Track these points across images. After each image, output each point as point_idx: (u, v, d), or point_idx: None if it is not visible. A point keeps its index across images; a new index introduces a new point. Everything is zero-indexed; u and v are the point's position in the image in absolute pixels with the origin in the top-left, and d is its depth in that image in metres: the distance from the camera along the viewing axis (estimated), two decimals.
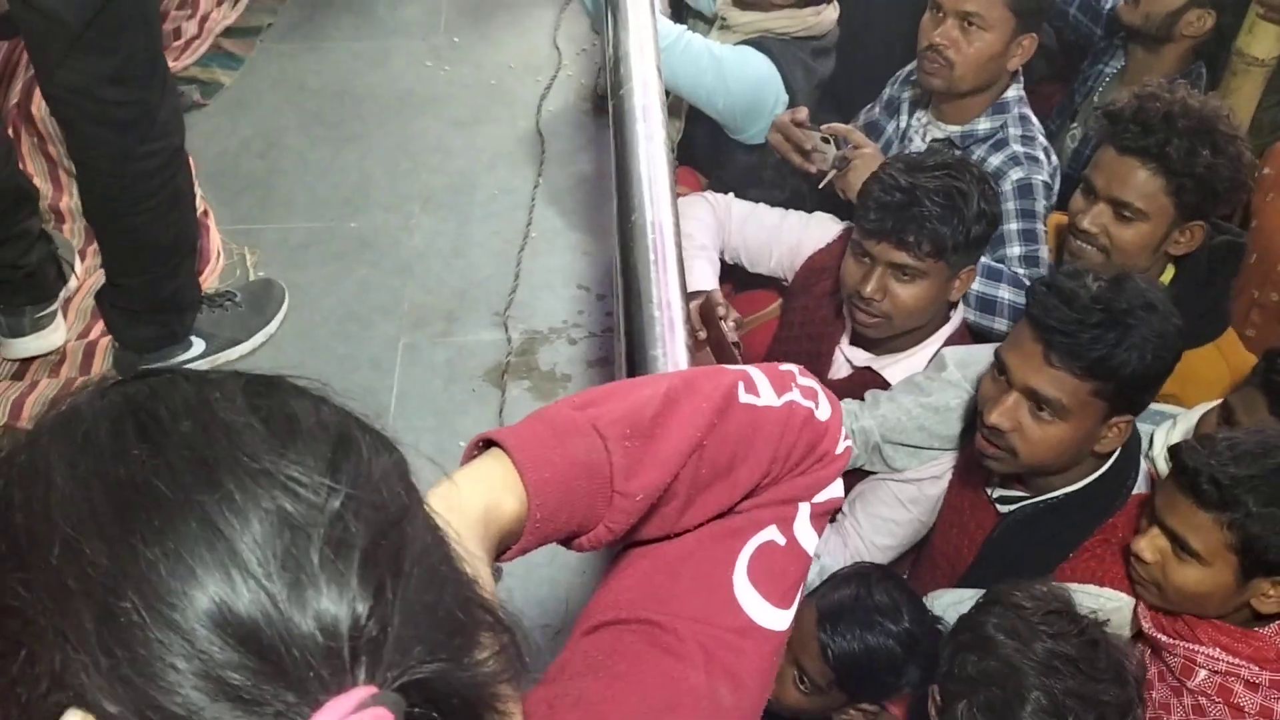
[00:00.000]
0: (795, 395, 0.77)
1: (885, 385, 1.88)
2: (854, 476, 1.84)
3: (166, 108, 1.88)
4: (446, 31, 3.17)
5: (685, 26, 2.42)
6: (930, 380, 1.79)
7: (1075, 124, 2.73)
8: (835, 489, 0.81)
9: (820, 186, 2.18)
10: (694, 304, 1.94)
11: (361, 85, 2.95)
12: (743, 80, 2.46)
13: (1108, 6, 2.64)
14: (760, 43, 2.55)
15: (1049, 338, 1.48)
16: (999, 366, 1.57)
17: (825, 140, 2.18)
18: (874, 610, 1.51)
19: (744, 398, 0.74)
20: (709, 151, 2.61)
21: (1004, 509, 1.68)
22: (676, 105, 2.82)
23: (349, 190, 2.60)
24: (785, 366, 0.81)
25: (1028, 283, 1.90)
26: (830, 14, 2.58)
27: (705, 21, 2.93)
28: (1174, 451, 1.49)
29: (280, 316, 2.23)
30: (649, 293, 1.09)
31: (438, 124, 2.81)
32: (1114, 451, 1.61)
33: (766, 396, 0.75)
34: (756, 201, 2.29)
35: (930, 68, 2.15)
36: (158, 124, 1.86)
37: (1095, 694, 1.29)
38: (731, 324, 1.92)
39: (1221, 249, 1.98)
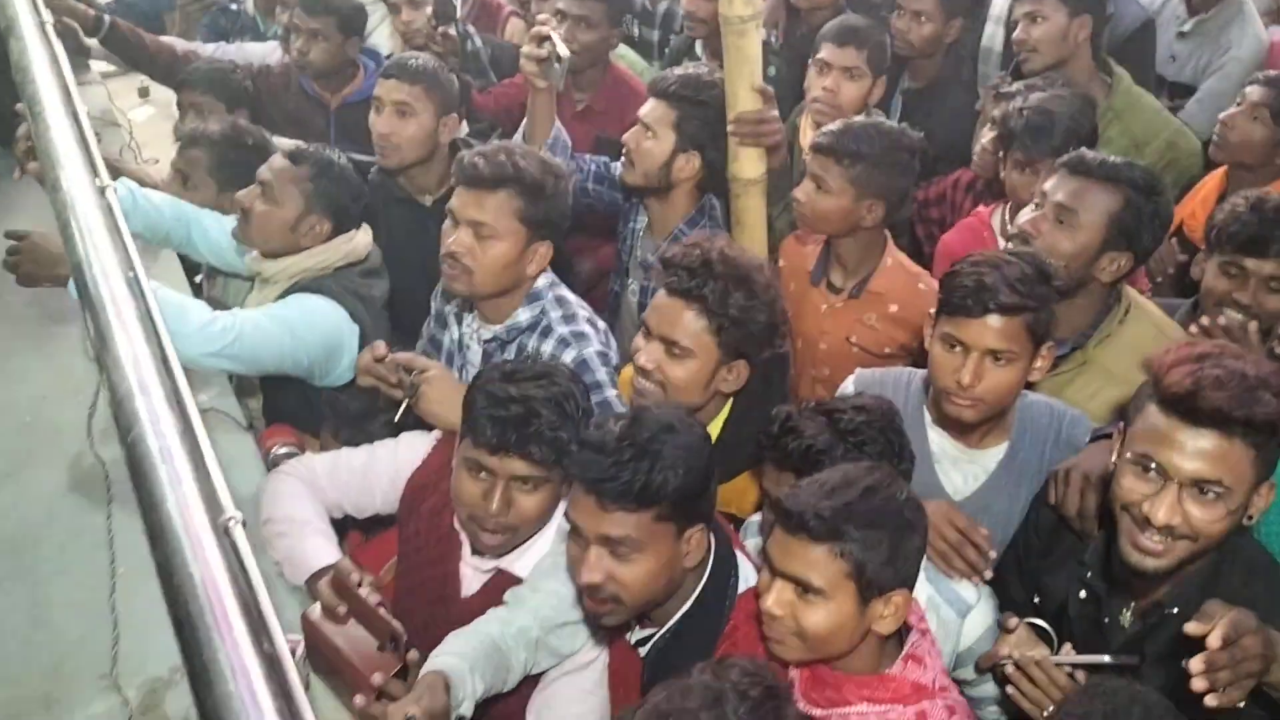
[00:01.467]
0: None
1: (519, 580, 1.87)
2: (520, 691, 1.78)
3: None
4: None
5: (209, 310, 2.34)
6: (561, 556, 1.81)
7: (630, 279, 2.92)
8: None
9: (396, 420, 2.16)
10: (323, 583, 1.82)
11: None
12: (314, 329, 2.44)
13: (618, 173, 2.87)
14: (310, 285, 2.51)
15: (596, 488, 1.60)
16: (573, 529, 1.66)
17: (406, 370, 2.17)
18: None
19: None
20: (301, 406, 2.54)
21: (643, 651, 1.77)
22: (249, 383, 2.71)
23: None
24: None
25: None
26: (363, 237, 2.62)
27: (242, 279, 2.86)
28: (776, 503, 1.63)
29: None
30: (218, 666, 0.97)
31: None
32: (706, 560, 1.73)
33: None
34: (369, 435, 2.24)
35: (450, 273, 2.22)
36: None
37: None
38: (368, 588, 1.81)
39: (767, 366, 2.18)
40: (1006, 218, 2.79)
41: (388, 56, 3.58)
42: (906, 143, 2.66)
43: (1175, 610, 1.69)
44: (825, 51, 3.23)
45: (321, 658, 1.81)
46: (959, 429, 2.08)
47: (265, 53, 4.02)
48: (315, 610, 1.83)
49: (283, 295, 2.50)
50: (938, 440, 2.11)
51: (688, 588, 1.72)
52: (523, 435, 1.77)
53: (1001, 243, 2.80)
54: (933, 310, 2.07)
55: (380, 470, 2.08)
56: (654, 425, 1.63)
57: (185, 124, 3.29)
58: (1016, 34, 3.14)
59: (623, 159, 2.81)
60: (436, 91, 2.92)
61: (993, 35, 3.63)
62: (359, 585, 1.80)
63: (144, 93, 4.31)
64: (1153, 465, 1.62)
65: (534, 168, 2.24)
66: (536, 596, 1.77)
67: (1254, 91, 2.87)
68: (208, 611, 1.02)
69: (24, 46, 2.19)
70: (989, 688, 1.88)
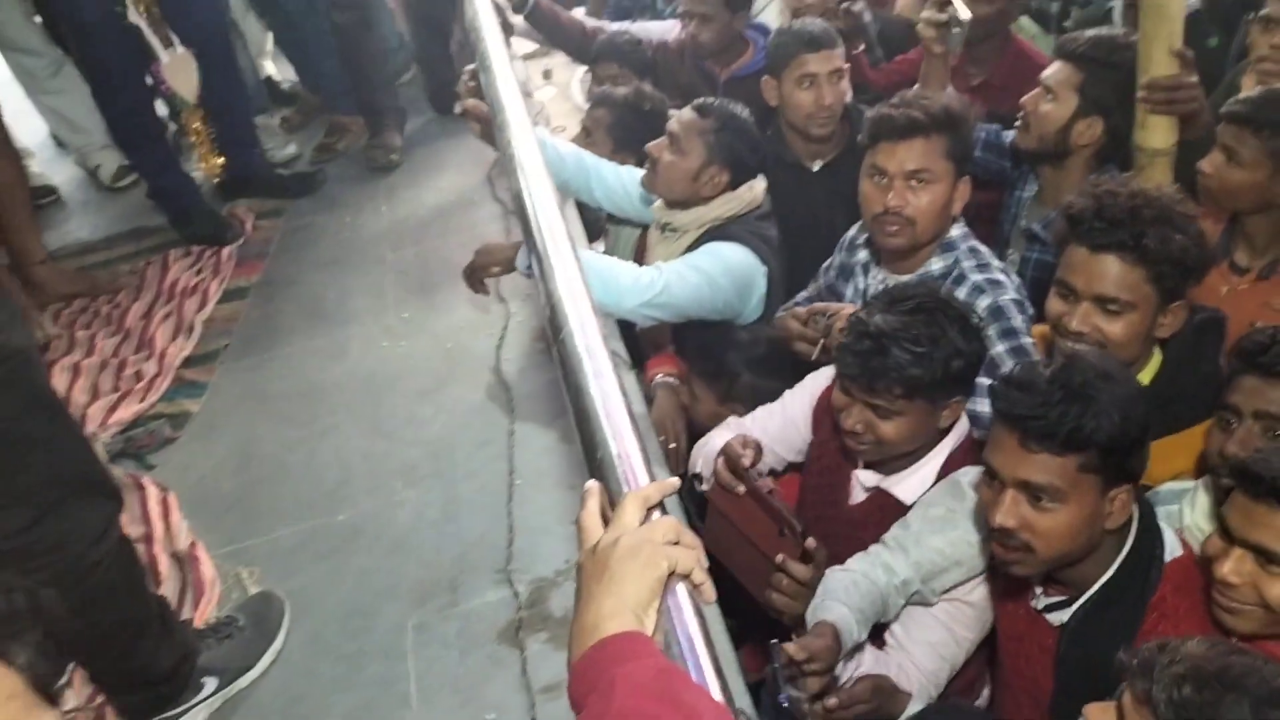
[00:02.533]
0: None
1: (899, 504, 1.90)
2: None
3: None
4: (396, 310, 3.28)
5: (636, 267, 2.53)
6: (953, 513, 1.81)
7: (1011, 249, 2.82)
8: None
9: (814, 358, 2.24)
10: (719, 461, 1.94)
11: (325, 379, 3.01)
12: (730, 274, 2.59)
13: (1008, 140, 2.78)
14: (718, 232, 2.66)
15: (1021, 426, 1.53)
16: (988, 472, 1.61)
17: (821, 315, 2.27)
18: None
19: None
20: (711, 345, 2.68)
21: (1054, 619, 1.67)
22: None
23: (331, 484, 2.61)
24: None
25: None
26: (759, 184, 2.72)
27: (632, 226, 3.06)
28: (1241, 467, 1.51)
29: (284, 630, 2.18)
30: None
31: (405, 399, 2.86)
32: (1128, 526, 1.62)
33: None
34: (760, 376, 2.39)
35: (890, 229, 2.25)
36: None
37: None
38: (753, 465, 1.92)
39: (1203, 326, 2.02)
40: None
41: None
42: None
43: None
44: (1272, 5, 2.91)
45: (720, 535, 1.89)
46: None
47: (665, 30, 4.26)
48: (713, 486, 1.95)
49: (695, 244, 2.66)
50: None
51: (1107, 553, 1.61)
52: (868, 370, 1.78)
53: None
54: None
55: (798, 404, 2.18)
56: (1089, 370, 1.54)
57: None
58: None
59: (1018, 122, 2.71)
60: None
61: None
62: (750, 465, 1.89)
63: (547, 75, 4.79)
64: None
65: (945, 105, 2.25)
66: (920, 549, 1.76)
67: None
68: (625, 483, 1.14)
69: (475, 10, 2.52)
70: None
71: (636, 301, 2.44)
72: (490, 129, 2.53)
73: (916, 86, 2.82)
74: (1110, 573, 1.60)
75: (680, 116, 2.70)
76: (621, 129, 3.18)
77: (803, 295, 2.66)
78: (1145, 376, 2.01)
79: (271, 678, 2.11)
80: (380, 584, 2.30)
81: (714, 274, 2.53)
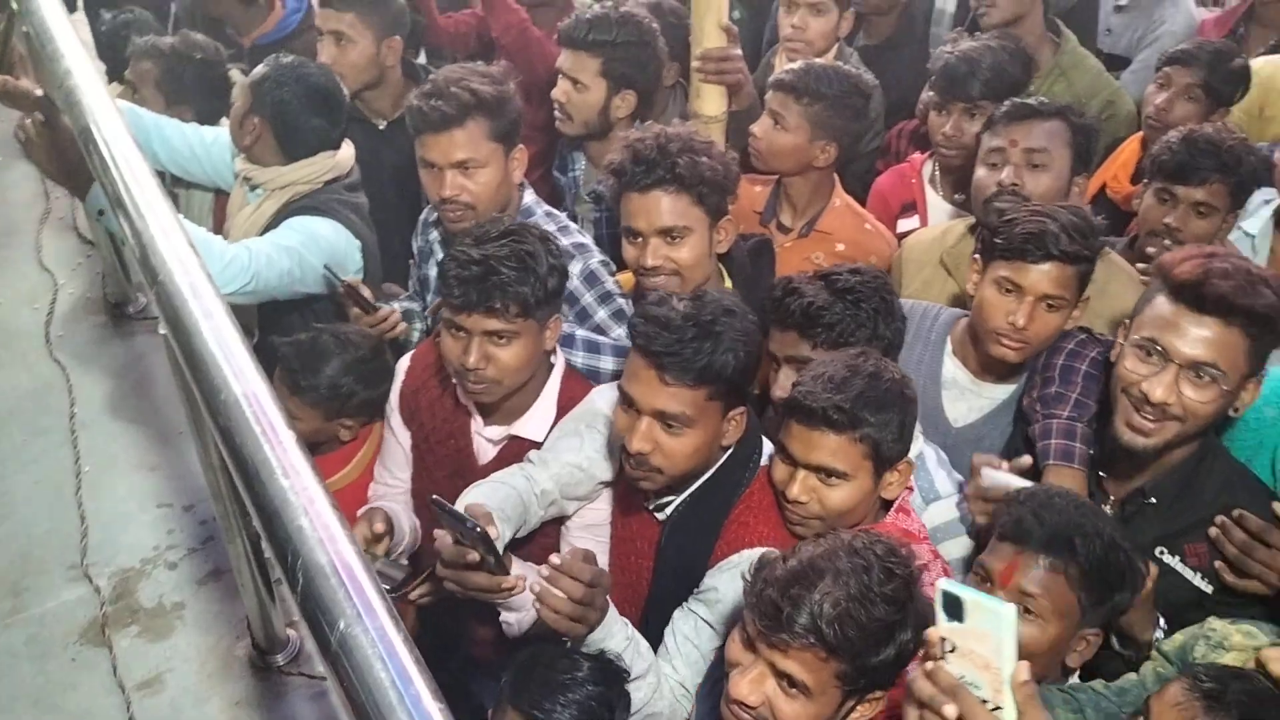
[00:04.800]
0: None
1: (533, 443, 1.95)
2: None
3: None
4: None
5: (227, 246, 2.34)
6: (588, 429, 1.90)
7: (580, 220, 2.95)
8: None
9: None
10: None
11: None
12: (320, 253, 2.48)
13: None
14: (309, 206, 2.51)
15: (660, 361, 1.65)
16: (625, 400, 1.71)
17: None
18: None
19: None
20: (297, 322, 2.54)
21: (661, 516, 1.82)
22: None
23: None
24: None
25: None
26: (347, 151, 2.62)
27: (203, 189, 2.84)
28: (792, 402, 1.73)
29: None
30: (269, 466, 1.00)
31: None
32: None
33: None
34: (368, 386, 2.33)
35: (453, 215, 2.29)
36: None
37: None
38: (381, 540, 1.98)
39: (756, 248, 2.28)
40: (936, 168, 2.91)
41: None
42: (863, 87, 2.73)
43: (1154, 500, 1.82)
44: None
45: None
46: (988, 365, 2.13)
47: None
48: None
49: (280, 212, 2.49)
50: (952, 369, 2.18)
51: (714, 460, 1.78)
52: (483, 290, 1.82)
53: (928, 189, 2.91)
54: (977, 255, 2.11)
55: (391, 405, 2.17)
56: (716, 308, 1.69)
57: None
58: None
59: (557, 113, 2.81)
60: (372, 16, 2.90)
61: None
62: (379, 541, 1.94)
63: None
64: (1156, 348, 1.74)
65: (474, 89, 2.25)
66: (557, 466, 1.83)
67: (1177, 72, 2.91)
68: (255, 421, 1.05)
69: None
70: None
71: (225, 290, 2.27)
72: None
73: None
74: (712, 471, 1.76)
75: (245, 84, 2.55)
76: (172, 81, 2.93)
77: (406, 295, 2.64)
78: None
79: None
80: None
81: (305, 253, 2.42)
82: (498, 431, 2.00)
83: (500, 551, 1.59)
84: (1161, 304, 1.76)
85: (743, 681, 1.40)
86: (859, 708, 1.44)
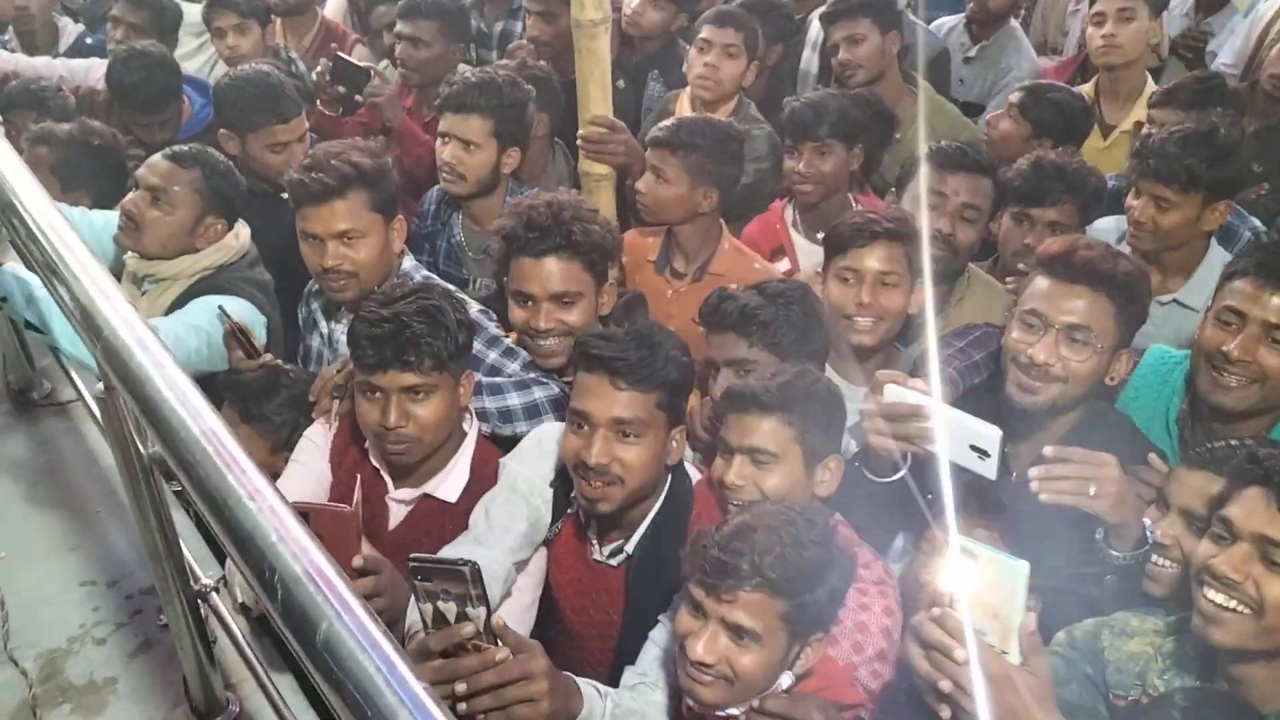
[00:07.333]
0: None
1: (444, 504, 1.99)
2: None
3: None
4: None
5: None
6: (523, 497, 1.90)
7: (477, 281, 3.03)
8: None
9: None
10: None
11: None
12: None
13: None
14: (213, 285, 2.52)
15: (610, 367, 1.76)
16: (576, 421, 1.80)
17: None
18: None
19: None
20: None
21: (615, 561, 1.87)
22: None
23: None
24: None
25: (529, 377, 2.21)
26: (245, 229, 2.65)
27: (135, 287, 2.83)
28: (727, 393, 1.88)
29: None
30: (235, 493, 1.06)
31: None
32: (679, 462, 1.91)
33: None
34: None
35: (336, 285, 2.34)
36: None
37: None
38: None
39: (630, 303, 2.47)
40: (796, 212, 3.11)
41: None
42: (734, 134, 2.88)
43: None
44: (706, 32, 3.43)
45: None
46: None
47: (89, 69, 3.93)
48: None
49: (184, 296, 2.50)
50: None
51: (659, 487, 1.88)
52: (397, 346, 1.86)
53: (792, 233, 3.10)
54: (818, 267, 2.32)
55: (315, 461, 2.13)
56: (650, 327, 1.86)
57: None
58: (840, 55, 3.46)
59: (445, 177, 2.88)
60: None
61: (809, 60, 3.99)
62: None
63: None
64: (1036, 318, 1.95)
65: (355, 162, 2.30)
66: (510, 538, 1.83)
67: (1013, 95, 3.26)
68: (210, 447, 1.11)
69: None
70: None
71: None
72: None
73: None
74: (660, 503, 1.85)
75: (156, 169, 2.54)
76: (69, 168, 2.93)
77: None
78: None
79: None
80: None
81: (212, 332, 2.43)
82: (409, 493, 2.02)
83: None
84: (1039, 281, 1.99)
85: (698, 645, 1.49)
86: (804, 651, 1.55)
